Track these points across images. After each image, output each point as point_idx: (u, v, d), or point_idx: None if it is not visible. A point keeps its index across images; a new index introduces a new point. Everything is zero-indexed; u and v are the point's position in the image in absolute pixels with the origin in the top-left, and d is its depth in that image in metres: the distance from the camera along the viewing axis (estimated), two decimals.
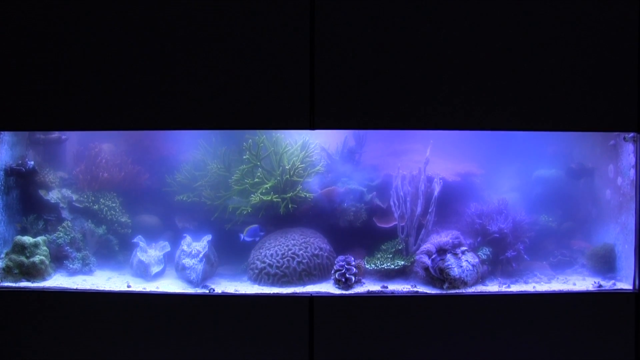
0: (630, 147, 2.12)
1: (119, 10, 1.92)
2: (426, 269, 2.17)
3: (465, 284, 2.11)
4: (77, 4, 1.93)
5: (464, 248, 2.21)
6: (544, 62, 1.94)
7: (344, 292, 2.10)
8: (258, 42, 1.92)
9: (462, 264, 2.14)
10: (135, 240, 2.35)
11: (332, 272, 2.19)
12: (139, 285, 2.16)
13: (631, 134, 2.10)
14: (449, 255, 2.16)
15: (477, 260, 2.20)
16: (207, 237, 2.28)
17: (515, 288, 2.15)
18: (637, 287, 2.05)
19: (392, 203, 2.35)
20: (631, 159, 2.11)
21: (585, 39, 1.94)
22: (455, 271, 2.11)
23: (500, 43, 1.93)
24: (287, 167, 2.38)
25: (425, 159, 2.32)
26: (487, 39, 1.93)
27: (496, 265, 2.29)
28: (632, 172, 2.09)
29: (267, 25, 1.91)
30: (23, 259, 2.16)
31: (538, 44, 1.94)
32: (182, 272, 2.24)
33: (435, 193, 2.30)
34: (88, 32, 1.93)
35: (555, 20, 1.93)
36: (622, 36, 1.94)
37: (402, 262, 2.24)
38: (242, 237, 2.33)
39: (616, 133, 2.19)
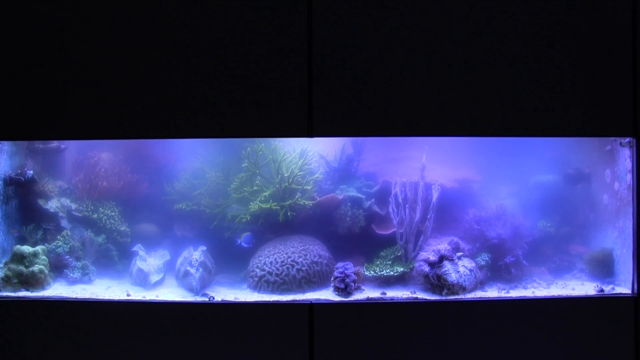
0: (626, 152, 2.13)
1: (116, 21, 1.93)
2: (425, 276, 2.17)
3: (464, 289, 2.11)
4: (74, 14, 1.94)
5: (459, 253, 2.22)
6: (539, 67, 1.96)
7: (343, 299, 2.10)
8: (256, 51, 1.93)
9: (459, 269, 2.15)
10: (134, 248, 2.35)
11: (332, 279, 2.19)
12: (138, 294, 2.16)
13: (627, 139, 2.11)
14: (445, 262, 2.17)
15: (474, 264, 2.20)
16: (202, 248, 2.29)
17: (515, 293, 2.15)
18: (636, 291, 2.05)
19: (390, 210, 2.35)
20: (628, 164, 2.12)
21: (580, 44, 1.96)
22: (453, 277, 2.11)
23: (496, 50, 1.95)
24: (285, 175, 2.39)
25: (421, 165, 2.34)
26: (482, 46, 1.95)
27: (495, 271, 2.30)
28: (629, 176, 2.10)
29: (265, 34, 1.93)
30: (22, 268, 2.15)
31: (534, 49, 1.95)
32: (182, 279, 2.24)
33: (434, 199, 2.31)
34: (86, 41, 1.94)
35: (550, 25, 1.95)
36: (617, 41, 1.96)
37: (401, 269, 2.25)
38: (240, 241, 2.36)
39: (612, 138, 2.20)
